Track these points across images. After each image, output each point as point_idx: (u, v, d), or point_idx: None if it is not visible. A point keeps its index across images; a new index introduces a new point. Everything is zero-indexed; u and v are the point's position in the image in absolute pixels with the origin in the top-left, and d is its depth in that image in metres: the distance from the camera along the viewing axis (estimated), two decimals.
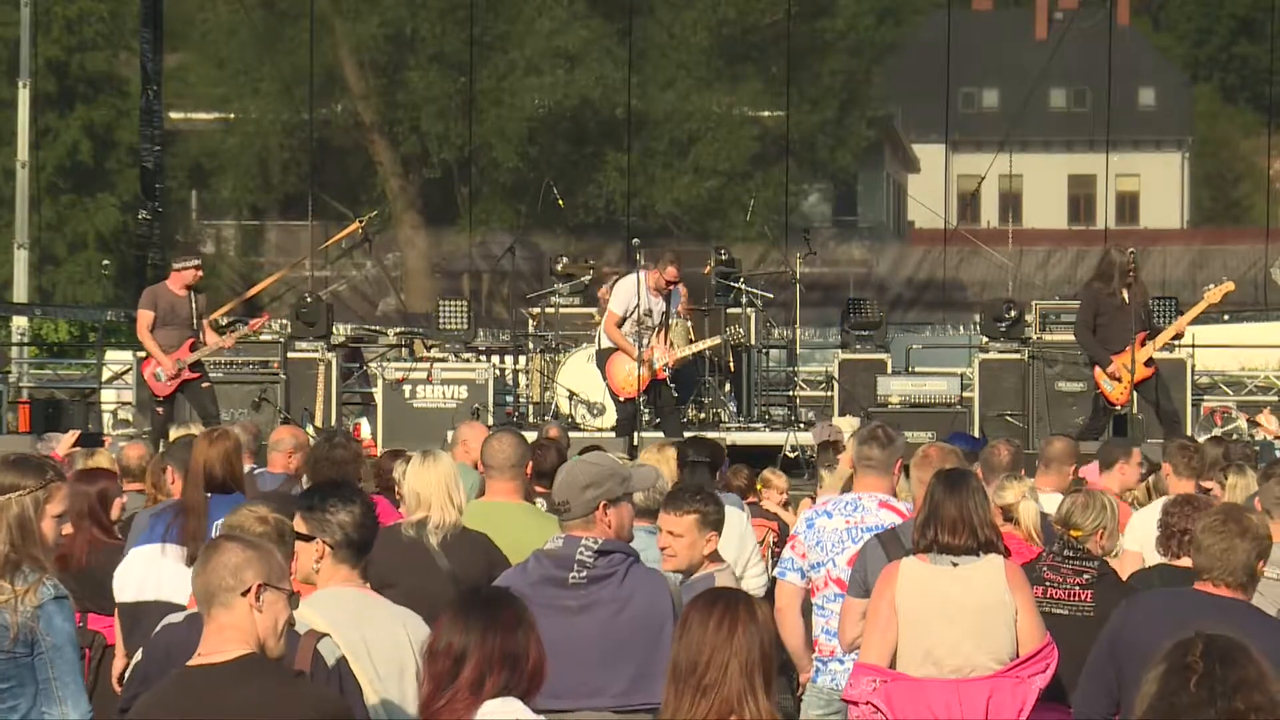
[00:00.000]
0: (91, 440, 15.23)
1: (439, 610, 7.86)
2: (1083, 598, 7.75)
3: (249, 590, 5.01)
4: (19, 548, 6.18)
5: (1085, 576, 7.80)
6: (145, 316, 17.03)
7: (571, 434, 16.15)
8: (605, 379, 16.89)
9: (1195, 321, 18.12)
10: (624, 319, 16.55)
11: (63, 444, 13.61)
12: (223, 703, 4.89)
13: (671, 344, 16.94)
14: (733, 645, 4.97)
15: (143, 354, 19.99)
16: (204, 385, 17.11)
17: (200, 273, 17.11)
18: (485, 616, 5.00)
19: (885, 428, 8.62)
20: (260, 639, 5.02)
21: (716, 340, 17.81)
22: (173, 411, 16.90)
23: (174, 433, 12.57)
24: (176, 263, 17.39)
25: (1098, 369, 16.75)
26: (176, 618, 5.97)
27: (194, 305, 16.98)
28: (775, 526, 12.15)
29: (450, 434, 14.54)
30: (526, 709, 4.96)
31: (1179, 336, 17.78)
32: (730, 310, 19.53)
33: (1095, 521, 8.02)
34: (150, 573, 8.17)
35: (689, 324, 18.08)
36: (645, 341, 16.42)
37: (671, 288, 16.84)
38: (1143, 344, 16.65)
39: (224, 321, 17.79)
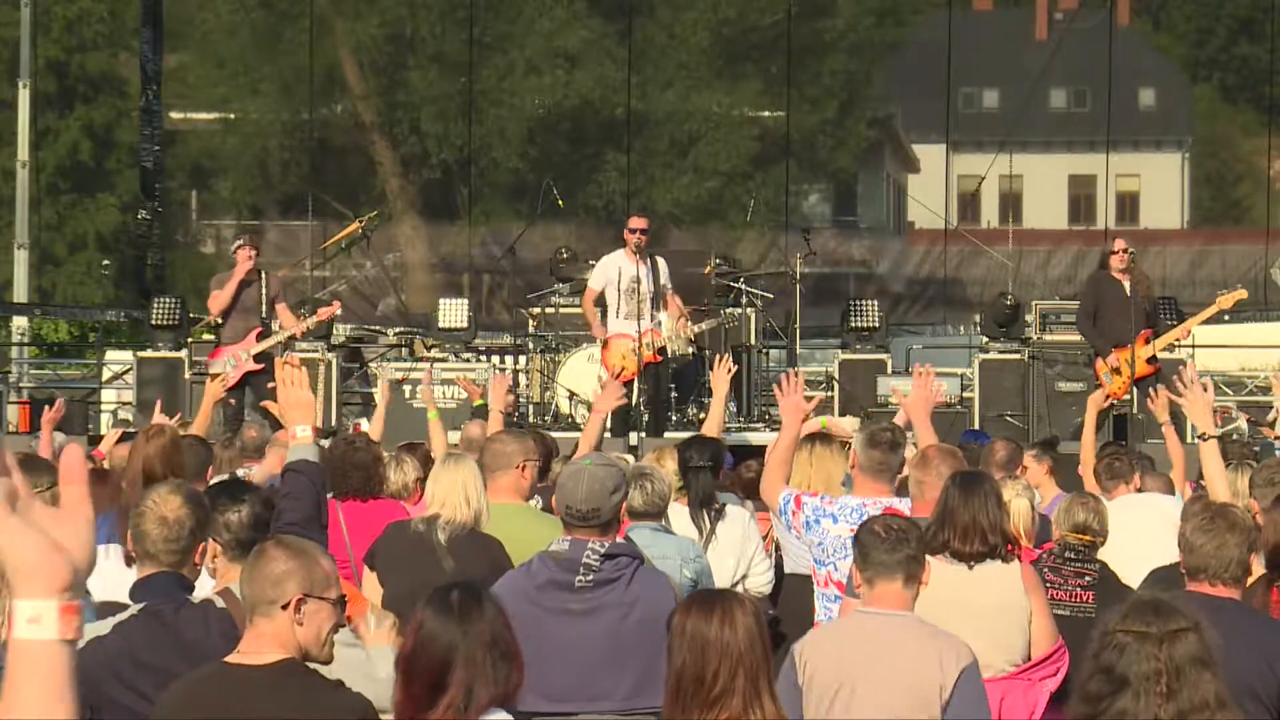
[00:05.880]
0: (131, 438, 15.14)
1: None
2: (1084, 599, 7.74)
3: (289, 603, 4.95)
4: None
5: (1087, 578, 7.80)
6: (214, 296, 16.81)
7: (572, 434, 16.13)
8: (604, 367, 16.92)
9: None
10: (602, 294, 16.48)
11: (106, 441, 13.57)
12: (258, 704, 4.86)
13: (681, 319, 16.89)
14: (735, 652, 4.88)
15: (144, 354, 20.03)
16: (270, 385, 16.96)
17: (253, 250, 16.99)
18: (464, 612, 4.78)
19: (894, 430, 8.47)
20: (302, 649, 4.96)
21: (714, 322, 17.82)
22: (242, 403, 16.73)
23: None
24: (233, 247, 17.35)
25: (1098, 360, 16.75)
26: (103, 626, 5.65)
27: (263, 290, 16.86)
28: None
29: (453, 434, 14.54)
30: None
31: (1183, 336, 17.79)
32: (730, 310, 19.53)
33: (1103, 524, 8.03)
34: (96, 574, 8.12)
35: (690, 324, 18.08)
36: (642, 315, 16.35)
37: (643, 238, 16.48)
38: (1147, 342, 16.65)
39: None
